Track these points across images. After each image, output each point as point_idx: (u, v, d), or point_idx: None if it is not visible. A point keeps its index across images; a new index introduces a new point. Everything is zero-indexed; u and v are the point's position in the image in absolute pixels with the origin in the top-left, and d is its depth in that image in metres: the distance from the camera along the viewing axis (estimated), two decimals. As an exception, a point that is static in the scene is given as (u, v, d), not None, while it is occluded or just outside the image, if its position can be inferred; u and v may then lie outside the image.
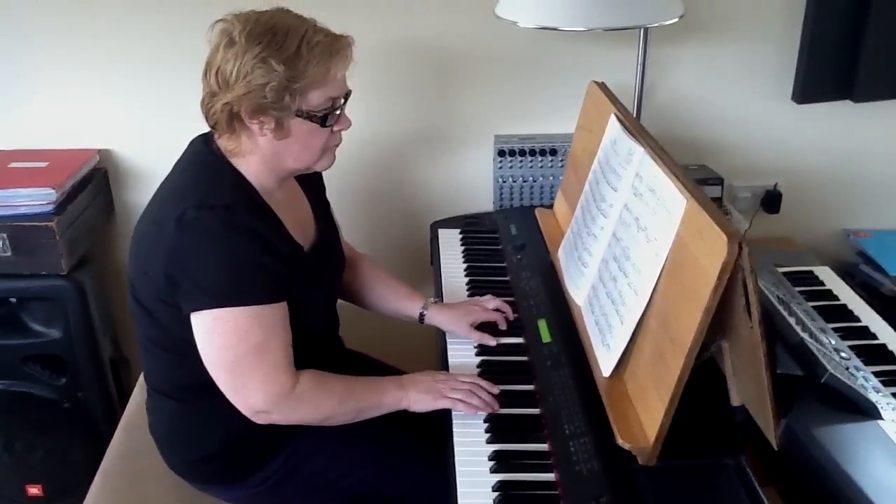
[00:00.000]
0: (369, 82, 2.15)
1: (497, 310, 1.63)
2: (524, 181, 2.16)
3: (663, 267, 1.22)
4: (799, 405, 1.32)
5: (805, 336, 1.44)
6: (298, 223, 1.45)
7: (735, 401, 1.28)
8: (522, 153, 2.14)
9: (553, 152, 2.13)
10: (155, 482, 1.50)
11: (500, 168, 2.15)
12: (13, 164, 2.04)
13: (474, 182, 2.27)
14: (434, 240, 2.05)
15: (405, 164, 2.27)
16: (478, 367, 1.54)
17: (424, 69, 2.16)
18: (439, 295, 1.78)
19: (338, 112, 1.38)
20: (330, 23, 1.38)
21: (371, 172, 2.26)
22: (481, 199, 2.26)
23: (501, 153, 2.13)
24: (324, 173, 2.21)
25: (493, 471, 1.27)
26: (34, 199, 1.89)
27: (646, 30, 1.90)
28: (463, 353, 1.58)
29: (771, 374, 1.13)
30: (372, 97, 2.17)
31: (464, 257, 1.93)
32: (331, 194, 2.26)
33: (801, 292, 1.80)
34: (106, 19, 2.05)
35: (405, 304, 1.68)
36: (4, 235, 1.87)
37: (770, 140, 2.23)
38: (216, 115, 1.32)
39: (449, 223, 2.11)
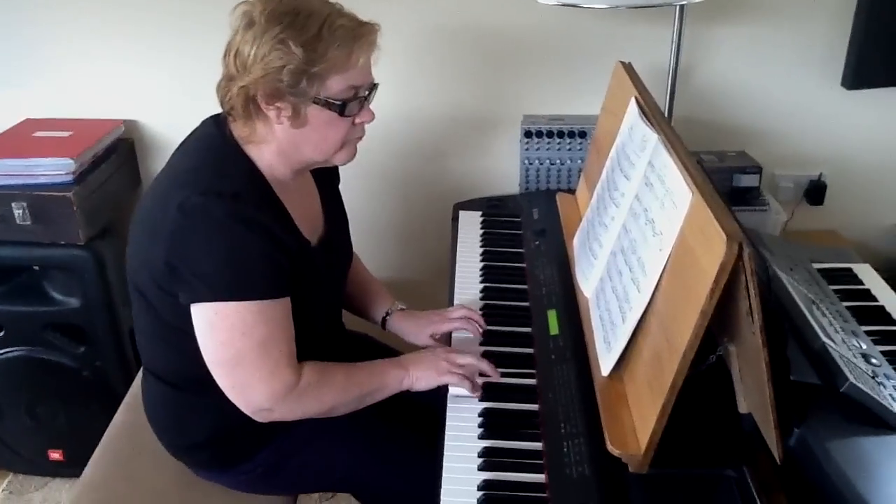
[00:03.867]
0: (395, 61, 2.10)
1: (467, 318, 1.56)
2: (551, 164, 2.09)
3: (666, 264, 1.15)
4: (815, 415, 1.23)
5: (827, 341, 1.35)
6: (307, 217, 1.40)
7: (743, 408, 1.21)
8: (550, 135, 2.06)
9: (582, 134, 2.05)
10: (152, 458, 1.49)
11: (527, 150, 2.08)
12: (38, 133, 2.06)
13: (502, 163, 2.21)
14: (455, 222, 1.99)
15: (431, 144, 2.22)
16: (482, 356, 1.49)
17: (452, 47, 2.09)
18: (451, 280, 1.74)
19: (360, 102, 1.31)
20: (355, 4, 1.33)
21: (397, 153, 2.22)
22: (508, 181, 2.20)
23: (528, 134, 2.06)
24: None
25: (481, 468, 1.22)
26: (54, 168, 1.90)
27: (681, 7, 1.80)
28: (466, 344, 1.53)
29: (773, 383, 1.05)
30: (398, 76, 2.11)
31: (481, 241, 1.88)
32: (356, 174, 2.23)
33: (836, 291, 1.70)
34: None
35: (371, 305, 1.64)
36: (24, 204, 1.88)
37: (816, 127, 2.11)
38: (232, 99, 1.27)
39: (472, 205, 2.05)
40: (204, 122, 1.38)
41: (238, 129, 1.31)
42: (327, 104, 1.27)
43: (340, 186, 2.24)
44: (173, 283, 1.25)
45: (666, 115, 1.95)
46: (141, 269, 1.31)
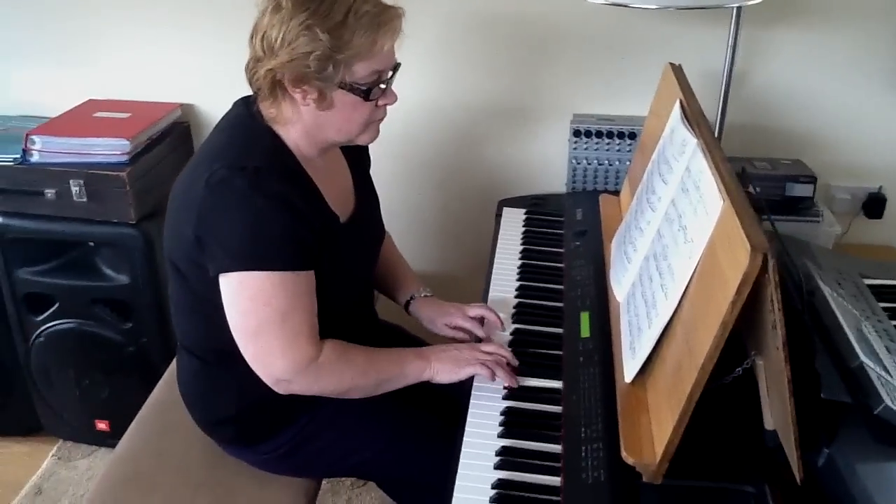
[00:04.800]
0: (447, 53, 2.10)
1: (482, 318, 1.56)
2: (599, 164, 2.06)
3: (694, 272, 1.13)
4: (846, 435, 1.20)
5: (866, 360, 1.30)
6: (338, 194, 1.43)
7: (769, 424, 1.18)
8: (599, 134, 2.03)
9: (632, 136, 2.02)
10: (183, 434, 1.53)
11: (576, 149, 2.05)
12: (98, 114, 2.12)
13: (550, 161, 2.19)
14: (498, 218, 1.99)
15: (480, 138, 2.21)
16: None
17: (505, 40, 2.08)
18: (488, 276, 1.73)
19: (383, 86, 1.34)
20: None
21: (445, 145, 2.22)
22: (557, 179, 2.18)
23: (577, 133, 2.04)
24: (396, 144, 2.21)
25: (497, 467, 1.22)
26: (109, 148, 1.96)
27: (738, 9, 1.75)
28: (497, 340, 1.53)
29: (798, 400, 1.02)
30: (450, 69, 2.12)
31: (522, 239, 1.86)
32: (404, 165, 2.25)
33: (885, 309, 1.63)
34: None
35: (398, 287, 1.65)
36: (81, 182, 1.94)
37: (878, 138, 2.03)
38: (259, 80, 1.30)
39: (516, 202, 2.04)
40: (235, 103, 1.42)
41: (266, 109, 1.34)
42: (352, 89, 1.29)
43: (386, 174, 2.27)
44: (202, 255, 1.29)
45: (718, 119, 1.90)
46: (175, 243, 1.35)
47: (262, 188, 1.26)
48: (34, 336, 2.13)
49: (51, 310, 2.10)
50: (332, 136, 1.36)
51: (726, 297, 0.98)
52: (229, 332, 1.32)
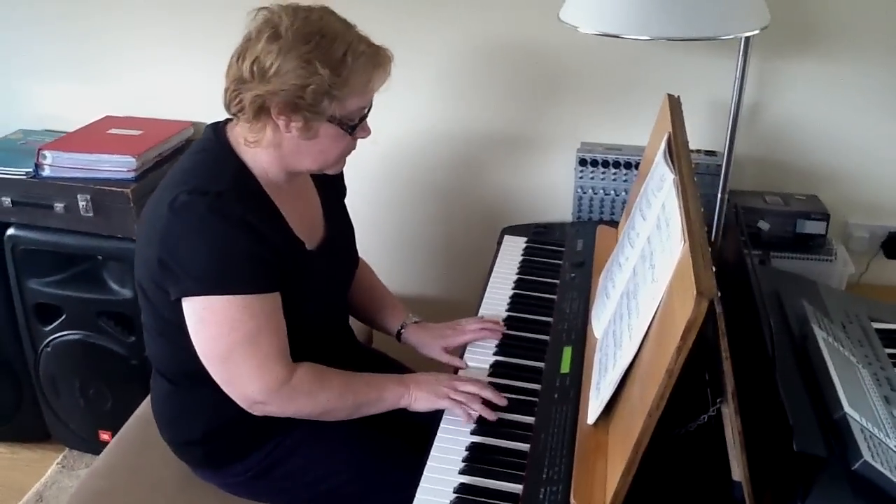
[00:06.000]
0: (455, 81, 2.09)
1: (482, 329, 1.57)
2: (605, 193, 2.02)
3: (656, 313, 1.09)
4: (823, 490, 1.14)
5: (851, 412, 1.24)
6: (304, 221, 1.43)
7: (736, 474, 1.12)
8: (605, 164, 1.99)
9: (639, 166, 1.97)
10: (159, 453, 1.53)
11: (581, 178, 2.02)
12: (112, 130, 2.16)
13: (559, 189, 2.15)
14: (499, 246, 1.96)
15: (488, 166, 2.19)
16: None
17: (514, 71, 2.06)
18: (477, 305, 1.71)
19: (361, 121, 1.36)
20: (418, 25, 1.35)
21: (452, 172, 2.21)
22: (563, 208, 2.14)
23: (583, 162, 2.00)
24: (403, 171, 2.20)
25: (452, 505, 1.19)
26: (116, 165, 1.99)
27: (746, 40, 1.70)
28: (476, 372, 1.49)
29: (747, 454, 0.98)
30: (458, 97, 2.10)
31: (518, 268, 1.83)
32: (410, 192, 2.24)
33: (891, 355, 1.56)
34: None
35: (386, 317, 1.64)
36: (88, 197, 1.98)
37: (898, 175, 1.95)
38: (242, 103, 1.30)
39: (519, 230, 2.02)
40: (206, 128, 1.43)
41: (244, 132, 1.34)
42: (340, 123, 1.31)
43: (392, 200, 2.26)
44: (164, 279, 1.29)
45: (726, 151, 1.85)
46: (142, 266, 1.36)
47: (222, 211, 1.26)
48: (42, 345, 2.17)
49: (59, 320, 2.14)
50: (307, 164, 1.37)
51: (673, 343, 0.94)
52: (196, 354, 1.32)
